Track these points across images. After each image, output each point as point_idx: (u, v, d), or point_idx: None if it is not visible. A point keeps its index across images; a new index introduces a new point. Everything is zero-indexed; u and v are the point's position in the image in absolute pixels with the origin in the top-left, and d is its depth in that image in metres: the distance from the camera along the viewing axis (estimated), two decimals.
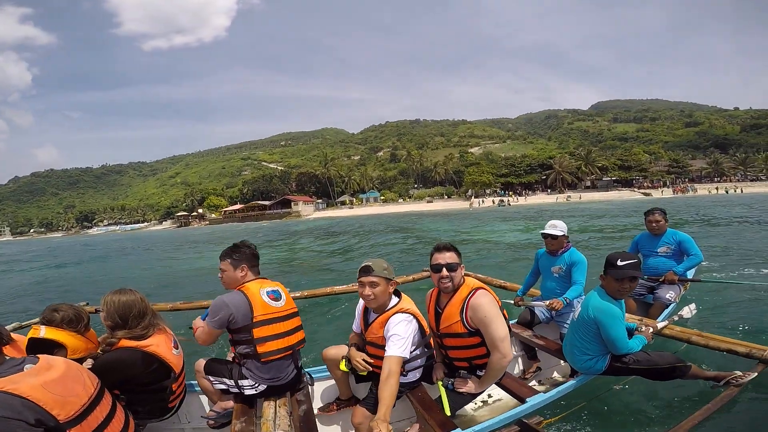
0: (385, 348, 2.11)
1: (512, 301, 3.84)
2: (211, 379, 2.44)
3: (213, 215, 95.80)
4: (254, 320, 2.31)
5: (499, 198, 70.78)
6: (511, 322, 3.32)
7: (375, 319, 2.29)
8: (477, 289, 2.21)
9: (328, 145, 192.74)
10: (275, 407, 2.29)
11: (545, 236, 3.42)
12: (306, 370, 2.68)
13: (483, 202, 68.50)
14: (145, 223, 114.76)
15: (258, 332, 2.32)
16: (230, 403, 2.43)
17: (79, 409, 1.59)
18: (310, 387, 2.67)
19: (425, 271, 5.69)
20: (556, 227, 3.35)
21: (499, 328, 2.10)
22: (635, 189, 67.00)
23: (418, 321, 2.27)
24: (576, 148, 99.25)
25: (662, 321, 3.01)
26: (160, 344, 2.14)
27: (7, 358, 1.60)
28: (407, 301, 2.33)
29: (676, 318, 2.98)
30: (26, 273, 17.33)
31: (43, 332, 2.13)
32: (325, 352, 2.63)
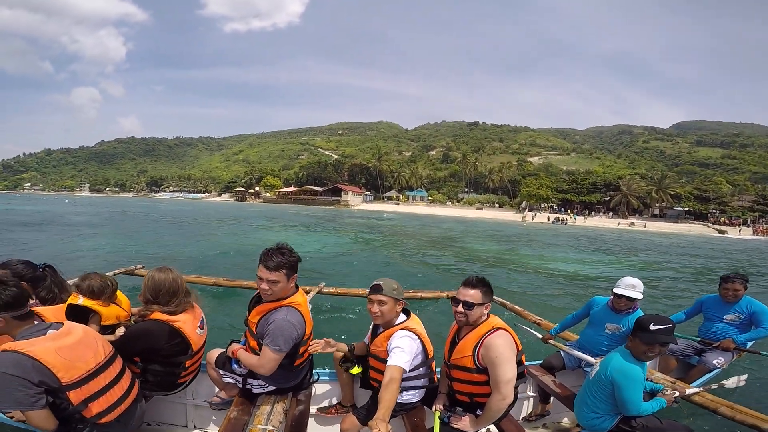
0: (387, 359, 2.18)
1: (540, 336, 3.71)
2: (222, 372, 2.49)
3: (268, 194, 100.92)
4: (304, 338, 2.33)
5: (555, 215, 67.11)
6: (534, 363, 3.36)
7: (381, 332, 2.39)
8: (498, 329, 2.20)
9: (382, 139, 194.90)
10: (273, 402, 2.35)
11: (619, 296, 3.13)
12: (315, 369, 2.72)
13: (536, 216, 65.52)
14: (206, 194, 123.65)
15: (302, 349, 2.37)
16: (236, 391, 2.51)
17: (84, 374, 1.78)
18: (314, 387, 2.72)
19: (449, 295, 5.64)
20: (635, 288, 3.08)
21: (506, 370, 2.09)
22: (709, 224, 61.00)
23: (422, 342, 2.33)
24: (648, 170, 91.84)
25: (697, 386, 2.85)
26: (187, 322, 2.30)
27: (36, 322, 1.85)
28: (415, 321, 2.40)
29: (715, 386, 2.79)
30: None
31: (81, 300, 2.35)
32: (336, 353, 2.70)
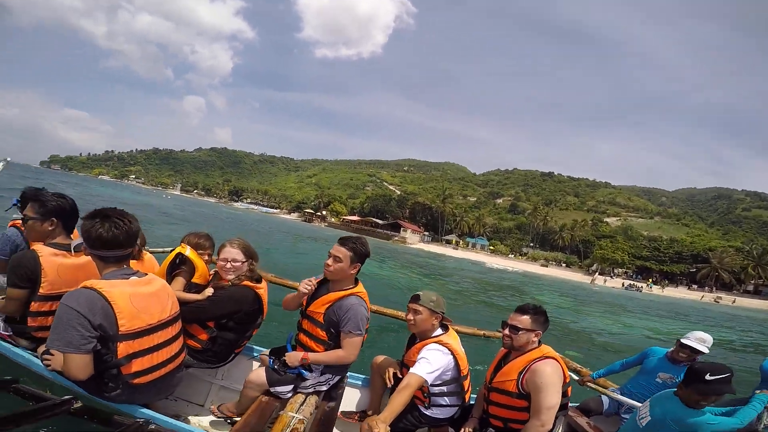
0: (411, 368, 2.18)
1: (577, 378, 3.55)
2: (279, 390, 2.26)
3: (332, 219, 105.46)
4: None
5: (630, 281, 61.52)
6: (571, 405, 3.18)
7: (416, 343, 2.39)
8: (548, 357, 2.17)
9: (447, 180, 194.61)
10: (306, 396, 2.31)
11: (684, 346, 3.09)
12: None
13: (607, 281, 60.04)
14: (277, 210, 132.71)
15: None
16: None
17: (143, 327, 1.72)
18: (345, 389, 2.74)
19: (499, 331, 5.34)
20: (704, 342, 3.05)
21: (550, 397, 2.04)
22: None
23: (455, 358, 2.30)
24: (746, 243, 79.92)
25: None
26: (265, 289, 2.42)
27: (125, 267, 1.80)
28: (451, 337, 2.38)
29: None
30: None
31: (188, 252, 2.47)
32: (375, 359, 2.73)
